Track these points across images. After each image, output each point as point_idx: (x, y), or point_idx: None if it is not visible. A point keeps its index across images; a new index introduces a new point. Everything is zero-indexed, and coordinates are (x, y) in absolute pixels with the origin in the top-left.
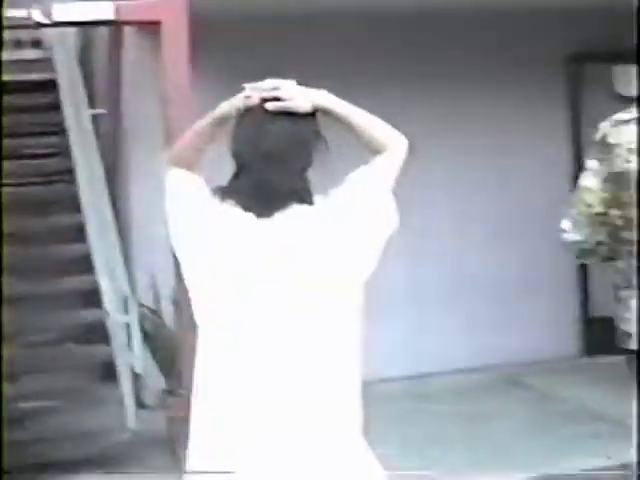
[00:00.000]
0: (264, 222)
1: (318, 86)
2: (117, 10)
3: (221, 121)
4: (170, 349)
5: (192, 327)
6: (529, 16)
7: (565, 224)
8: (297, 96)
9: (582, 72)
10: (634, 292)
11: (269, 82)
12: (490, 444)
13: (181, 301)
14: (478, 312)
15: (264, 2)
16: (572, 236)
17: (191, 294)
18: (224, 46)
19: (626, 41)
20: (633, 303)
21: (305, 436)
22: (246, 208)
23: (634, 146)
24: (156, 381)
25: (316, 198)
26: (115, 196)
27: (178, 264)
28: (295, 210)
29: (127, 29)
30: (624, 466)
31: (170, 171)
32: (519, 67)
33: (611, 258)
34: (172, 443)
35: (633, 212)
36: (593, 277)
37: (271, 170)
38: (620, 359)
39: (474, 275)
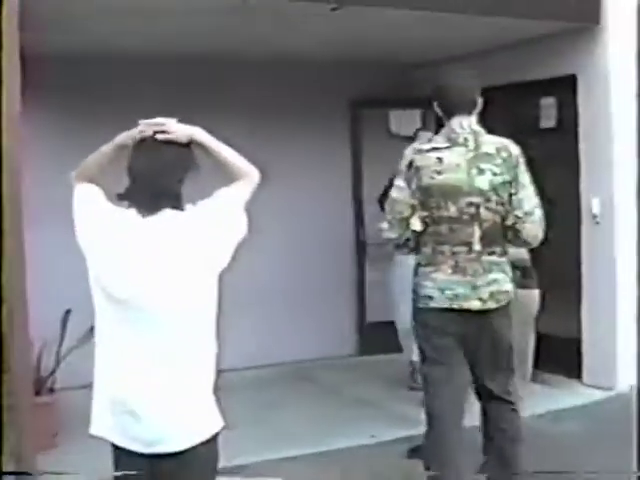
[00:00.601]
0: (146, 220)
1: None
2: None
3: (121, 147)
4: None
5: (22, 326)
6: (318, 68)
7: (383, 225)
8: (178, 131)
9: (362, 115)
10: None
11: (158, 120)
12: (277, 427)
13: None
14: (273, 316)
15: (93, 45)
16: (388, 234)
17: (91, 282)
18: (54, 84)
19: (398, 90)
20: (435, 275)
21: (175, 391)
22: (136, 210)
23: (436, 168)
24: None
25: (187, 205)
26: None
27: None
28: (168, 213)
29: None
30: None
31: (78, 184)
32: (311, 110)
33: (415, 249)
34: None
35: (437, 212)
36: (370, 290)
37: (155, 183)
38: (388, 357)
39: (274, 285)
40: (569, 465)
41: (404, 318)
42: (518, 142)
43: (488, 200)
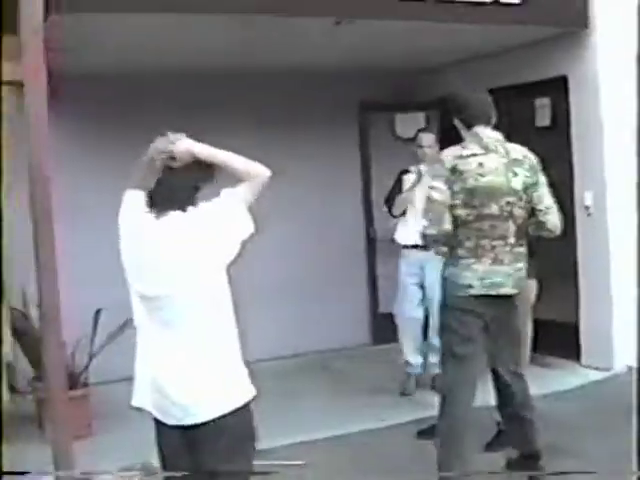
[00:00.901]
0: (158, 221)
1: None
2: None
3: (149, 161)
4: (36, 344)
5: (55, 327)
6: (326, 76)
7: (424, 223)
8: (182, 153)
9: (369, 119)
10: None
11: (165, 144)
12: (297, 414)
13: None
14: (292, 309)
15: (112, 64)
16: (429, 231)
17: (127, 275)
18: (78, 100)
19: (403, 94)
20: (475, 267)
21: (195, 370)
22: (152, 212)
23: (479, 171)
24: (26, 370)
25: (189, 208)
26: None
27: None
28: (175, 214)
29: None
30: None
31: (127, 191)
32: (323, 113)
33: (449, 244)
34: (39, 420)
35: (481, 210)
36: (380, 283)
37: (168, 192)
38: (399, 346)
39: (292, 280)
40: (570, 443)
41: (405, 315)
42: (516, 140)
43: (520, 199)
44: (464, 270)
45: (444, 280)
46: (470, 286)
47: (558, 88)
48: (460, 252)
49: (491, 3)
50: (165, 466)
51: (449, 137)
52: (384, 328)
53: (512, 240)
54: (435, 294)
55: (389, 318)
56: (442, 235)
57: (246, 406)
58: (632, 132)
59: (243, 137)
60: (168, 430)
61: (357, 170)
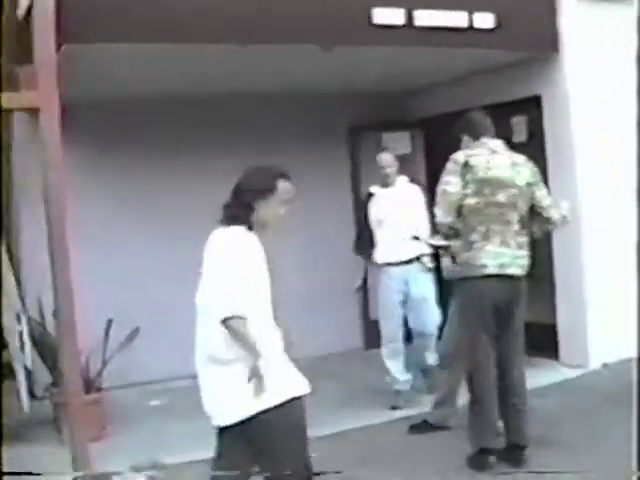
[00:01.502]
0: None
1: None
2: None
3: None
4: (53, 351)
5: (71, 337)
6: (318, 96)
7: (437, 211)
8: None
9: (359, 139)
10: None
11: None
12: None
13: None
14: (292, 318)
15: (122, 90)
16: (443, 220)
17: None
18: (92, 125)
19: (389, 114)
20: (488, 248)
21: (221, 377)
22: None
23: (487, 166)
24: (44, 376)
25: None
26: (9, 240)
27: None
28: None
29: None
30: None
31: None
32: (314, 134)
33: (457, 234)
34: (57, 423)
35: (490, 198)
36: (371, 293)
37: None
38: None
39: (292, 292)
40: (551, 434)
41: (389, 337)
42: None
43: (522, 194)
44: (478, 252)
45: (458, 266)
46: (484, 265)
47: (533, 106)
48: (473, 237)
49: (467, 29)
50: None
51: (435, 153)
52: (376, 334)
53: (516, 227)
54: (423, 305)
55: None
56: (451, 224)
57: (281, 405)
58: (603, 145)
59: (237, 159)
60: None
61: (348, 189)
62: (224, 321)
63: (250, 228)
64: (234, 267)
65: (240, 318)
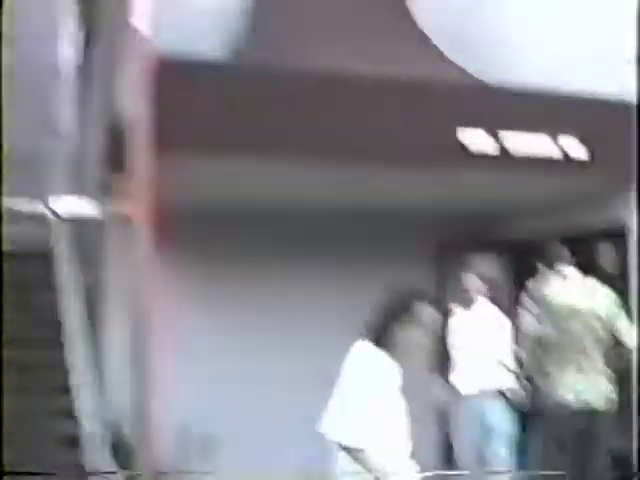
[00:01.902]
0: None
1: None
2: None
3: None
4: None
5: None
6: (412, 216)
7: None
8: None
9: (448, 257)
10: None
11: None
12: None
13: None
14: None
15: (217, 203)
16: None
17: None
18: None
19: (479, 235)
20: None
21: None
22: None
23: (561, 293)
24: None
25: None
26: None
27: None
28: None
29: None
30: None
31: None
32: (405, 254)
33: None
34: None
35: (567, 327)
36: None
37: None
38: None
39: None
40: None
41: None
42: None
43: (600, 322)
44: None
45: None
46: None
47: (618, 236)
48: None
49: (561, 159)
50: None
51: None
52: None
53: (594, 355)
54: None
55: None
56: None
57: None
58: None
59: (326, 272)
60: None
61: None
62: None
63: None
64: None
65: None
